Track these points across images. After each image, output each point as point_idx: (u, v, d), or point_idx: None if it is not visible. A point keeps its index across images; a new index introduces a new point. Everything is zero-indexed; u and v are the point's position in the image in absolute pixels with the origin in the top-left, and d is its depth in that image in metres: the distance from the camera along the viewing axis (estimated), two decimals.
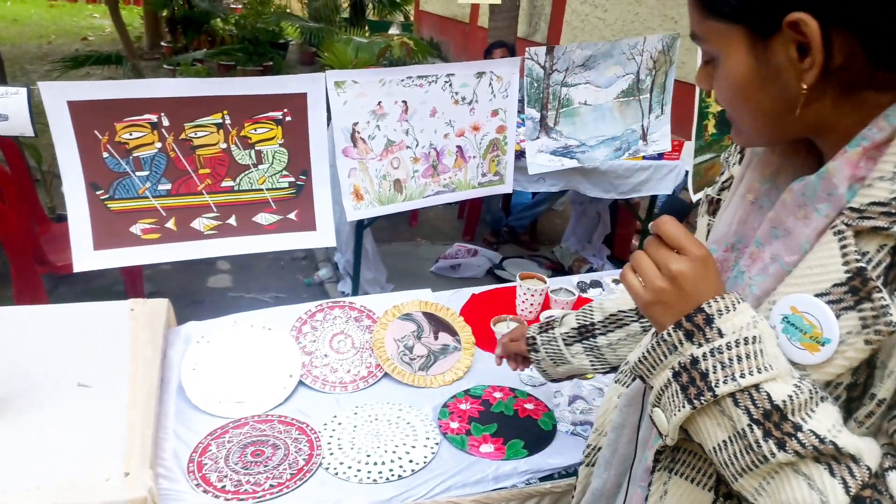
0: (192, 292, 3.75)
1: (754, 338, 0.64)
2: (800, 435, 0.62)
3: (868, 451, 0.63)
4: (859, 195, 0.64)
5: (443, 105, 1.86)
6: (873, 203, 0.62)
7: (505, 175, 2.03)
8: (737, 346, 0.64)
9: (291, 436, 1.29)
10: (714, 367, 0.64)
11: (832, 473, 0.62)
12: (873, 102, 0.64)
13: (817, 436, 0.62)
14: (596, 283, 2.02)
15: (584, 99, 2.08)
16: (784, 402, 0.62)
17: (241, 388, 1.39)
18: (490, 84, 1.90)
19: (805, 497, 0.62)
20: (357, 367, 1.50)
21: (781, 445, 0.62)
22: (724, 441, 0.66)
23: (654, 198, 3.85)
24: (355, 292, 3.53)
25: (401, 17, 11.88)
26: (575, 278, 2.05)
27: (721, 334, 0.65)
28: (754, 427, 0.63)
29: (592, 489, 0.95)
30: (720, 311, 0.66)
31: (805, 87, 0.63)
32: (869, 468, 0.62)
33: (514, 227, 4.57)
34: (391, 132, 1.83)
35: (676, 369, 0.67)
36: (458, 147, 1.92)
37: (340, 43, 5.89)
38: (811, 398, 0.63)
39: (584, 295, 1.96)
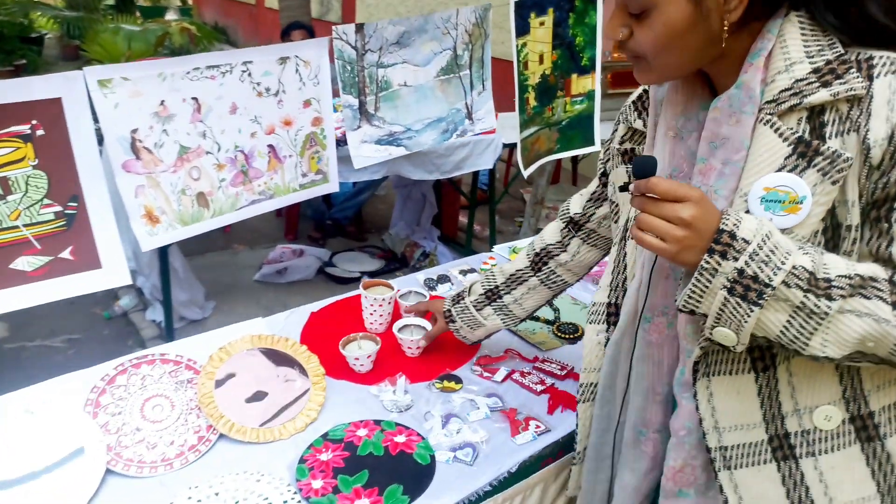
0: None
1: (769, 232, 0.77)
2: (834, 283, 0.76)
3: (875, 268, 0.78)
4: (767, 91, 0.82)
5: (244, 99, 1.58)
6: (781, 91, 0.81)
7: (329, 172, 1.80)
8: (764, 244, 0.76)
9: None
10: (759, 267, 0.76)
11: (867, 297, 0.76)
12: (756, 28, 0.83)
13: (845, 276, 0.77)
14: (444, 279, 1.87)
15: (404, 80, 1.90)
16: (812, 266, 0.76)
17: None
18: (297, 70, 1.64)
19: (860, 324, 0.76)
20: (182, 434, 1.21)
21: (830, 297, 0.76)
22: (787, 322, 0.77)
23: (475, 173, 3.83)
24: (168, 320, 3.07)
25: (178, 1, 10.83)
26: (421, 276, 1.89)
27: (747, 241, 0.77)
28: (808, 295, 0.75)
29: (606, 413, 1.08)
30: (735, 224, 0.78)
31: (727, 24, 0.81)
32: (886, 279, 0.78)
33: (339, 220, 4.33)
34: (183, 137, 1.51)
35: (729, 285, 0.77)
36: (270, 146, 1.64)
37: (107, 33, 5.12)
38: (817, 253, 0.78)
39: (435, 293, 1.81)
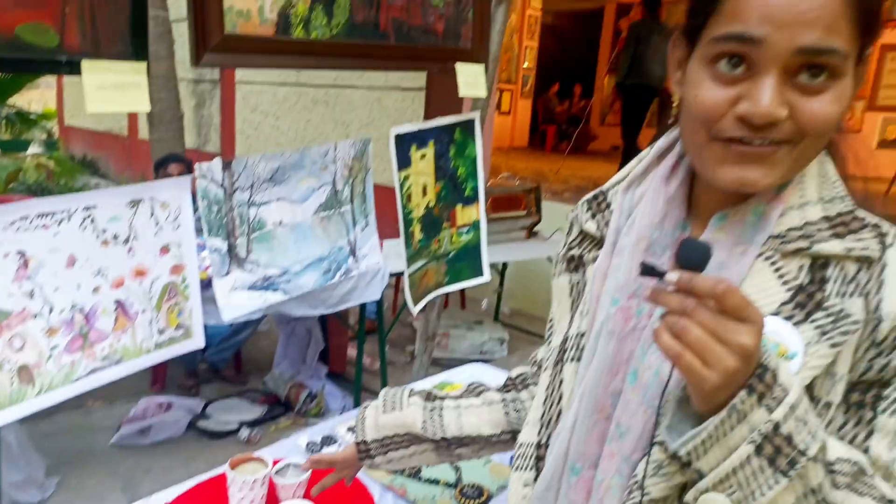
0: None
1: (801, 383, 0.64)
2: (836, 467, 0.64)
3: (859, 456, 0.67)
4: (777, 224, 0.73)
5: (85, 249, 1.35)
6: (791, 229, 0.72)
7: (192, 326, 1.56)
8: (802, 399, 0.61)
9: None
10: (797, 427, 0.60)
11: (860, 494, 0.64)
12: None
13: (847, 460, 0.65)
14: (329, 440, 1.63)
15: (280, 219, 1.75)
16: (824, 443, 0.63)
17: None
18: (153, 214, 1.45)
19: None
20: None
21: (835, 485, 0.63)
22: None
23: (362, 305, 3.66)
24: None
25: (44, 135, 10.28)
26: (302, 439, 1.64)
27: (785, 390, 0.61)
28: (831, 477, 0.63)
29: None
30: (777, 364, 0.61)
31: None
32: (871, 474, 0.66)
33: (215, 363, 3.94)
34: (3, 299, 1.24)
35: (758, 441, 0.60)
36: (118, 302, 1.40)
37: None
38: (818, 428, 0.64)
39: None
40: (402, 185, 2.09)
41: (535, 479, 0.86)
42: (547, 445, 0.85)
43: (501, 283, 5.08)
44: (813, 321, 0.68)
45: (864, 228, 0.71)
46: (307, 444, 1.60)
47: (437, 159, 2.22)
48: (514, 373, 1.14)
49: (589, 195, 0.95)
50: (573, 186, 7.10)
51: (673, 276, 0.61)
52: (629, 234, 0.82)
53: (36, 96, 12.08)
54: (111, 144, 10.42)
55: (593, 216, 0.90)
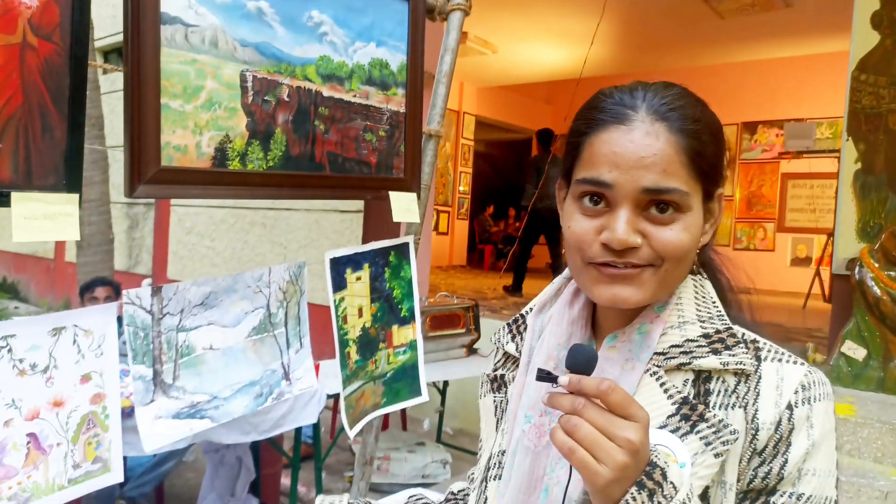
0: None
1: (692, 484, 0.68)
2: None
3: None
4: (659, 342, 0.80)
5: (2, 382, 1.30)
6: (673, 346, 0.79)
7: (110, 459, 1.49)
8: (690, 500, 0.66)
9: None
10: None
11: None
12: None
13: None
14: None
15: (210, 343, 1.74)
16: None
17: None
18: (75, 341, 1.42)
19: None
20: None
21: None
22: None
23: (297, 429, 3.53)
24: None
25: None
26: None
27: (675, 488, 0.66)
28: None
29: None
30: (665, 462, 0.67)
31: (700, 245, 0.84)
32: None
33: (134, 498, 3.65)
34: None
35: None
36: (30, 435, 1.34)
37: None
38: None
39: None
40: (337, 307, 2.12)
41: None
42: None
43: (443, 402, 5.02)
44: (697, 432, 0.73)
45: (738, 345, 0.79)
46: None
47: (373, 281, 2.28)
48: (456, 488, 1.16)
49: (510, 319, 1.03)
50: (511, 303, 7.26)
51: (564, 379, 0.68)
52: (539, 353, 0.90)
53: None
54: (34, 267, 10.09)
55: (513, 338, 0.98)
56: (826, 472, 0.74)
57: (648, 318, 0.82)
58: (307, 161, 1.94)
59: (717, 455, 0.73)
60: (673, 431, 0.74)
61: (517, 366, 0.95)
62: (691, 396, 0.76)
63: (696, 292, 0.84)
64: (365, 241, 2.20)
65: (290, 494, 3.51)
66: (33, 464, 1.36)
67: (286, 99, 1.88)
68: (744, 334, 0.82)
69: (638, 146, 0.76)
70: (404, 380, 2.35)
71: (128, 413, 1.64)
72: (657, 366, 0.79)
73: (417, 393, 2.36)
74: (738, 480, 0.75)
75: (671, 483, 0.67)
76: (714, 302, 0.84)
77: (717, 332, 0.80)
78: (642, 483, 0.65)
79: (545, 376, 0.71)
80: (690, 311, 0.82)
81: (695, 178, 0.79)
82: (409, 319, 2.42)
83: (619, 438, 0.65)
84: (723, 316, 0.82)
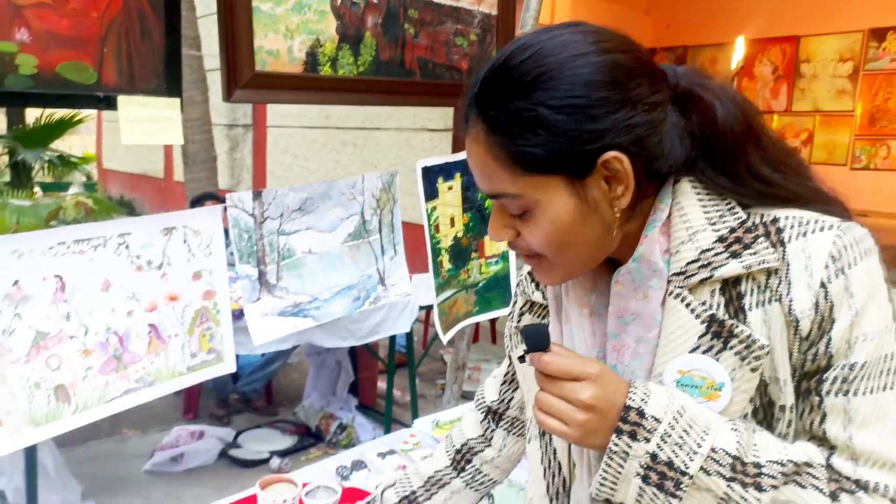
0: None
1: (682, 407, 0.69)
2: (765, 470, 0.68)
3: (811, 451, 0.71)
4: (673, 262, 0.75)
5: (120, 275, 1.40)
6: (689, 263, 0.74)
7: (223, 351, 1.60)
8: (677, 423, 0.68)
9: None
10: (674, 451, 0.67)
11: (802, 486, 0.68)
12: (647, 207, 0.78)
13: (777, 462, 0.68)
14: (359, 465, 1.64)
15: (309, 247, 1.79)
16: (737, 448, 0.68)
17: None
18: (185, 241, 1.50)
19: None
20: None
21: (759, 488, 0.67)
22: None
23: (392, 336, 3.67)
24: None
25: (83, 177, 10.69)
26: (332, 463, 1.64)
27: (657, 419, 0.68)
28: (732, 485, 0.66)
29: None
30: (643, 399, 0.69)
31: (618, 211, 0.75)
32: (822, 464, 0.70)
33: (246, 393, 3.98)
34: (41, 321, 1.29)
35: (642, 472, 0.68)
36: (151, 326, 1.45)
37: None
38: (748, 431, 0.70)
39: (348, 484, 1.56)
40: (429, 216, 2.12)
41: None
42: None
43: None
44: (731, 348, 0.71)
45: (757, 239, 0.72)
46: (337, 469, 1.61)
47: (465, 191, 2.25)
48: (458, 441, 1.15)
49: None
50: None
51: (526, 358, 0.75)
52: (569, 300, 0.86)
53: (76, 141, 12.61)
54: (147, 186, 10.78)
55: (537, 286, 0.94)
56: (879, 331, 0.70)
57: (640, 241, 0.77)
58: (397, 66, 1.90)
59: (753, 370, 0.71)
60: (706, 351, 0.72)
61: (546, 313, 0.92)
62: (721, 309, 0.73)
63: (698, 192, 0.76)
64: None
65: (387, 396, 3.71)
66: (155, 352, 1.48)
67: (375, 1, 1.83)
68: (762, 217, 0.75)
69: (469, 154, 0.77)
70: (496, 290, 2.36)
71: (237, 315, 1.75)
72: (679, 287, 0.74)
73: (509, 303, 2.36)
74: (794, 373, 0.72)
75: (651, 417, 0.69)
76: (721, 195, 0.76)
77: (732, 230, 0.74)
78: (619, 429, 0.69)
79: (521, 357, 0.78)
80: (697, 216, 0.75)
81: (528, 173, 0.72)
82: None
83: (574, 401, 0.70)
84: (734, 208, 0.75)
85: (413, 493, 1.14)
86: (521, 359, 0.78)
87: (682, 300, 0.74)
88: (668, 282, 0.75)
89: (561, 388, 0.70)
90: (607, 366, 0.78)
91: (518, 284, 0.99)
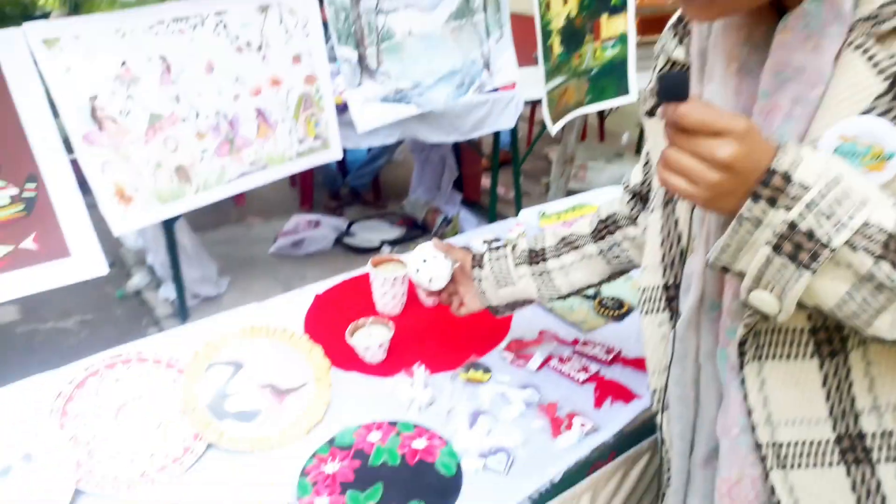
0: None
1: (838, 175, 0.60)
2: None
3: None
4: (862, 5, 0.62)
5: (221, 56, 1.37)
6: (883, 6, 0.61)
7: (328, 137, 1.59)
8: (829, 192, 0.59)
9: None
10: (818, 222, 0.60)
11: None
12: None
13: None
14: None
15: (409, 28, 1.67)
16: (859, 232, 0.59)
17: None
18: (281, 21, 1.43)
19: None
20: (164, 445, 1.04)
21: None
22: (847, 293, 0.62)
23: (496, 133, 3.58)
24: (181, 298, 2.93)
25: None
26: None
27: (805, 187, 0.60)
28: (881, 264, 0.60)
29: (678, 433, 0.86)
30: (794, 163, 0.60)
31: None
32: None
33: (356, 187, 4.13)
34: (154, 103, 1.31)
35: (775, 241, 0.61)
36: (258, 110, 1.44)
37: (104, 3, 4.90)
38: None
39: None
40: None
41: (671, 319, 0.85)
42: (676, 286, 0.83)
43: None
44: None
45: None
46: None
47: None
48: (604, 213, 1.10)
49: (674, 18, 0.83)
50: None
51: (659, 111, 0.65)
52: (716, 54, 0.73)
53: None
54: None
55: (681, 41, 0.81)
56: None
57: None
58: None
59: None
60: (882, 114, 0.61)
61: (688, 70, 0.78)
62: None
63: None
64: None
65: (491, 191, 3.72)
66: (264, 136, 1.50)
67: None
68: None
69: None
70: (611, 76, 2.16)
71: (340, 110, 1.71)
72: (865, 35, 0.61)
73: (625, 91, 2.17)
74: None
75: (799, 184, 0.59)
76: None
77: None
78: (757, 194, 0.61)
79: (651, 111, 0.70)
80: None
81: None
82: (620, 8, 2.12)
83: (709, 159, 0.61)
84: None
85: (543, 248, 1.13)
86: (651, 112, 0.67)
87: (865, 52, 0.61)
88: (851, 30, 0.62)
89: (696, 143, 0.61)
90: None
91: (658, 43, 0.86)
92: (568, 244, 1.12)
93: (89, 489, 0.96)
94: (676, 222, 0.83)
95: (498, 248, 1.18)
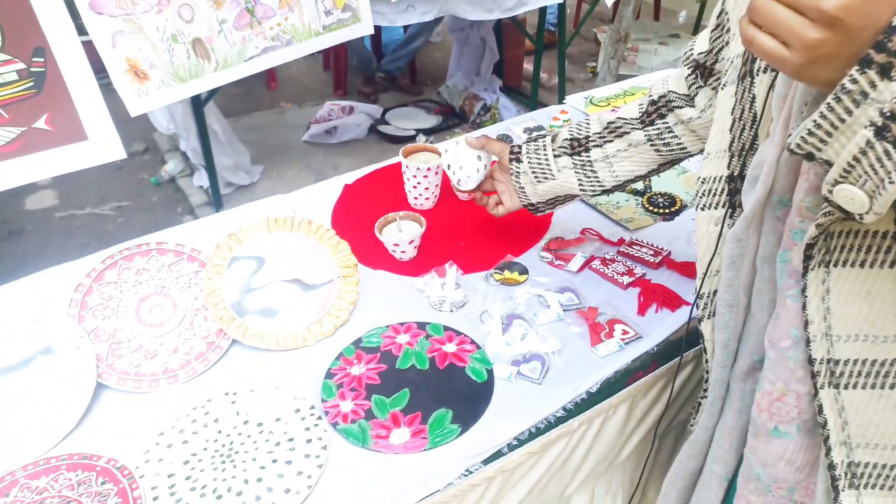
0: (7, 221, 2.98)
1: None
2: None
3: None
4: None
5: None
6: None
7: (359, 9, 1.43)
8: None
9: (92, 489, 0.81)
10: None
11: None
12: None
13: None
14: (505, 139, 1.54)
15: None
16: None
17: None
18: None
19: None
20: (188, 341, 1.00)
21: None
22: None
23: (542, 9, 3.30)
24: (214, 186, 2.89)
25: None
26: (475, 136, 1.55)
27: None
28: None
29: (722, 342, 0.78)
30: None
31: None
32: None
33: (391, 71, 3.93)
34: None
35: (880, 122, 0.48)
36: None
37: None
38: None
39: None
40: None
41: (731, 216, 0.73)
42: (743, 178, 0.71)
43: None
44: None
45: None
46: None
47: None
48: (656, 93, 0.95)
49: None
50: None
51: None
52: None
53: None
54: None
55: None
56: None
57: None
58: None
59: None
60: None
61: None
62: None
63: None
64: None
65: (533, 77, 3.49)
66: (288, 6, 1.35)
67: None
68: None
69: None
70: None
71: None
72: None
73: None
74: None
75: None
76: None
77: None
78: (867, 59, 0.47)
79: None
80: None
81: None
82: None
83: (809, 9, 0.47)
84: None
85: (586, 136, 1.02)
86: None
87: None
88: None
89: None
90: None
91: None
92: (613, 131, 1.00)
93: (111, 384, 0.94)
94: (753, 100, 0.70)
95: (537, 138, 1.07)
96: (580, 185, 1.03)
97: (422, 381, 0.95)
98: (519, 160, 1.07)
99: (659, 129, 0.96)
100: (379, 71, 3.91)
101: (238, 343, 1.01)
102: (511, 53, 3.84)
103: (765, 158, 0.66)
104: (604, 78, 2.58)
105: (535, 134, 1.08)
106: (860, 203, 0.52)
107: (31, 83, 1.13)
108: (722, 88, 0.75)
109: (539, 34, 3.52)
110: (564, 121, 1.63)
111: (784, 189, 0.66)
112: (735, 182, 0.73)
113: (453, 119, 3.62)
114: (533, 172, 1.05)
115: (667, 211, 1.29)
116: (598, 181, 1.02)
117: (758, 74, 0.68)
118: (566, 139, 1.04)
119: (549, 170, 1.04)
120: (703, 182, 0.77)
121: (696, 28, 4.52)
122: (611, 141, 1.00)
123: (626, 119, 0.98)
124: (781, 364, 0.68)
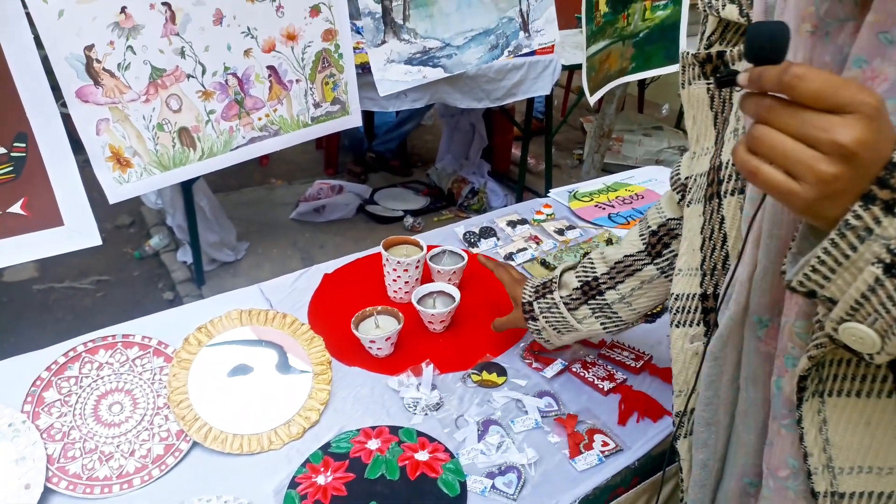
0: None
1: None
2: None
3: None
4: None
5: (231, 5, 1.24)
6: None
7: (348, 101, 1.46)
8: None
9: None
10: None
11: None
12: None
13: None
14: (488, 232, 1.54)
15: None
16: None
17: None
18: None
19: None
20: (145, 442, 0.95)
21: None
22: None
23: (530, 99, 3.40)
24: (198, 263, 2.87)
25: None
26: (459, 228, 1.56)
27: None
28: None
29: (701, 461, 0.75)
30: None
31: None
32: None
33: (382, 152, 4.00)
34: (155, 55, 1.19)
35: (888, 260, 0.46)
36: (271, 68, 1.31)
37: None
38: None
39: (476, 249, 1.48)
40: None
41: (706, 334, 0.72)
42: (716, 296, 0.70)
43: None
44: None
45: None
46: (464, 234, 1.53)
47: None
48: (654, 223, 0.96)
49: None
50: None
51: (742, 77, 0.48)
52: (786, 9, 0.58)
53: None
54: None
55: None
56: None
57: None
58: None
59: None
60: None
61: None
62: None
63: None
64: None
65: (520, 163, 3.56)
66: (277, 98, 1.37)
67: None
68: None
69: None
70: (660, 42, 1.97)
71: (362, 70, 1.57)
72: None
73: (674, 59, 1.98)
74: None
75: None
76: None
77: None
78: (871, 195, 0.46)
79: (722, 80, 0.50)
80: None
81: None
82: None
83: (823, 142, 0.45)
84: None
85: (595, 278, 1.01)
86: (725, 80, 0.50)
87: None
88: None
89: (808, 122, 0.45)
90: None
91: (706, 1, 0.70)
92: (622, 270, 0.99)
93: (60, 489, 0.88)
94: (722, 221, 0.69)
95: (544, 294, 1.06)
96: (605, 328, 1.02)
97: (391, 492, 0.89)
98: (534, 319, 1.06)
99: (668, 259, 0.95)
100: (370, 151, 3.98)
101: (200, 446, 0.96)
102: (500, 139, 3.93)
103: (737, 277, 0.65)
104: (588, 171, 2.64)
105: (538, 285, 1.07)
106: (871, 343, 0.50)
107: (11, 168, 1.12)
108: (688, 206, 0.75)
109: (527, 122, 3.62)
110: (548, 215, 1.64)
111: (762, 308, 0.64)
112: (709, 300, 0.72)
113: (441, 201, 3.66)
114: (554, 328, 1.05)
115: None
116: (621, 320, 1.02)
117: (725, 196, 0.68)
118: (576, 288, 1.03)
119: (570, 324, 1.03)
120: (675, 298, 0.76)
121: (679, 121, 4.68)
122: (622, 281, 0.99)
123: (632, 256, 0.98)
124: (781, 494, 0.64)
